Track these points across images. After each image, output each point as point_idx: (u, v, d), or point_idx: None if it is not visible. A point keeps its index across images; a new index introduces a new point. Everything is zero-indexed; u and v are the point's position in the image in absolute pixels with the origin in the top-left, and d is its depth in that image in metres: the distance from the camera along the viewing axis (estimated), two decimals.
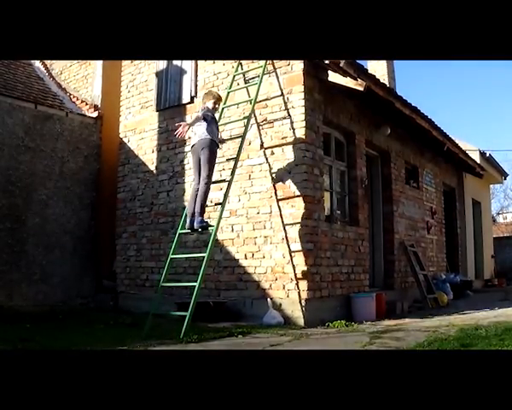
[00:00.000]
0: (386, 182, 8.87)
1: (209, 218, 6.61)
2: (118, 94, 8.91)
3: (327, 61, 6.49)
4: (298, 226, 6.36)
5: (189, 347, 4.65)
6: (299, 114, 6.53)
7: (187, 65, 7.87)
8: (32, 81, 9.69)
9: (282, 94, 6.70)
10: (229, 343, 4.88)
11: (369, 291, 7.50)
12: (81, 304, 8.35)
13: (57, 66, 10.56)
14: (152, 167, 8.19)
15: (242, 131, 6.54)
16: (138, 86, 8.60)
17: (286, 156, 6.59)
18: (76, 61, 10.10)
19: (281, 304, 6.33)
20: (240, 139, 6.47)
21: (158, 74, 8.30)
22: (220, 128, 6.44)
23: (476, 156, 13.37)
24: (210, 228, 5.95)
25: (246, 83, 7.12)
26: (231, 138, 7.01)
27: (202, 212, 5.86)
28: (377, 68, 12.42)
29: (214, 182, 6.58)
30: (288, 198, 6.50)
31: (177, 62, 8.02)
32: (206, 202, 5.92)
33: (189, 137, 6.04)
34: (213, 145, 5.93)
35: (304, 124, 6.49)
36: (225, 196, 6.12)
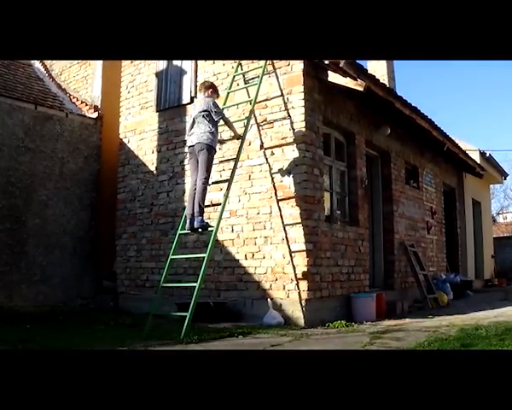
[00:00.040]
0: (386, 182, 8.87)
1: (209, 218, 6.60)
2: (118, 95, 8.91)
3: (327, 62, 6.49)
4: (298, 227, 6.36)
5: (189, 347, 4.65)
6: (298, 114, 6.53)
7: (187, 65, 7.87)
8: (32, 82, 9.69)
9: (282, 94, 6.70)
10: (229, 344, 4.88)
11: (369, 291, 7.50)
12: (81, 305, 8.35)
13: (57, 66, 10.56)
14: (152, 168, 8.19)
15: (242, 132, 6.54)
16: (138, 87, 8.60)
17: (286, 157, 6.59)
18: (76, 62, 10.10)
19: (281, 304, 6.33)
20: (239, 140, 6.47)
21: (158, 75, 8.30)
22: (220, 128, 6.44)
23: (476, 156, 13.37)
24: (210, 228, 5.95)
25: (245, 83, 7.12)
26: (231, 139, 7.00)
27: (201, 212, 5.86)
28: (377, 68, 12.42)
29: (214, 182, 6.59)
30: (288, 198, 6.50)
31: (176, 63, 8.02)
32: (204, 201, 5.92)
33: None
34: (211, 149, 5.93)
35: (304, 124, 6.49)
36: (225, 196, 6.11)
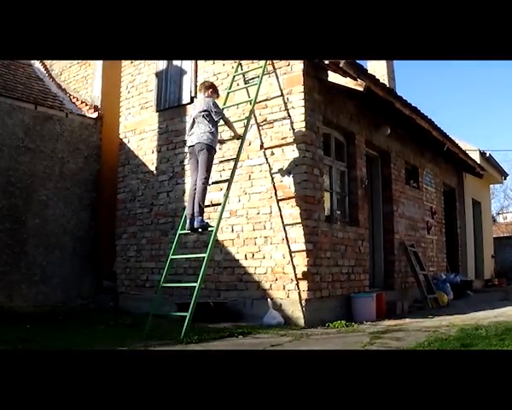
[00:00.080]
0: (386, 182, 8.87)
1: (209, 218, 6.61)
2: (118, 95, 8.91)
3: (327, 62, 6.49)
4: (298, 227, 6.36)
5: (189, 347, 4.65)
6: (298, 114, 6.53)
7: (187, 65, 7.87)
8: (32, 82, 9.69)
9: (282, 94, 6.70)
10: (229, 344, 4.88)
11: (369, 291, 7.50)
12: (81, 305, 8.35)
13: (57, 66, 10.56)
14: (152, 168, 8.19)
15: (242, 132, 6.54)
16: (138, 87, 8.60)
17: (286, 157, 6.59)
18: (76, 62, 10.10)
19: (281, 304, 6.33)
20: (239, 140, 6.47)
21: (158, 75, 8.30)
22: (220, 128, 6.44)
23: (476, 156, 13.37)
24: (210, 228, 5.95)
25: (245, 83, 7.12)
26: (231, 139, 7.01)
27: (201, 212, 5.87)
28: (377, 68, 12.42)
29: (214, 182, 6.59)
30: (288, 198, 6.50)
31: (176, 63, 8.02)
32: (204, 201, 5.92)
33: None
34: (211, 149, 5.93)
35: (304, 124, 6.49)
36: (225, 196, 6.11)
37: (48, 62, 10.69)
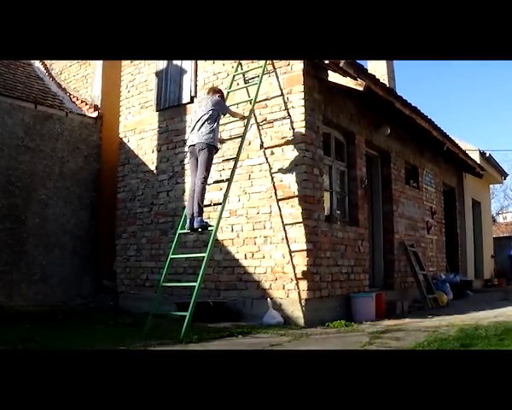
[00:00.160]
0: (386, 182, 8.88)
1: (209, 218, 6.61)
2: (118, 94, 8.91)
3: (327, 61, 6.49)
4: (298, 226, 6.36)
5: (189, 347, 4.65)
6: (298, 113, 6.54)
7: (187, 65, 7.87)
8: (32, 81, 9.69)
9: (282, 94, 6.70)
10: (229, 343, 4.88)
11: (368, 291, 7.50)
12: (81, 304, 8.35)
13: (57, 66, 10.56)
14: (152, 167, 8.19)
15: (242, 131, 6.54)
16: (138, 86, 8.60)
17: (286, 156, 6.59)
18: (76, 61, 10.10)
19: (281, 304, 6.33)
20: (239, 139, 6.47)
21: (158, 74, 8.30)
22: (220, 128, 6.44)
23: (476, 156, 13.37)
24: (210, 228, 5.95)
25: (245, 83, 7.12)
26: (231, 138, 7.01)
27: (201, 212, 5.88)
28: (377, 68, 12.42)
29: (214, 182, 6.60)
30: (287, 198, 6.50)
31: (176, 62, 8.02)
32: (203, 201, 5.93)
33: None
34: (212, 149, 5.95)
35: (304, 124, 6.49)
36: (225, 196, 6.12)
37: (48, 62, 10.68)
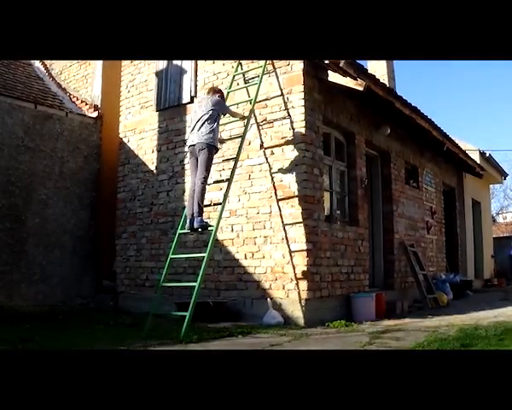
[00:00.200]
0: (386, 182, 8.87)
1: (209, 218, 6.61)
2: (118, 94, 8.91)
3: (327, 61, 6.49)
4: (298, 226, 6.36)
5: (189, 347, 4.65)
6: (298, 113, 6.53)
7: (187, 65, 7.87)
8: (32, 81, 9.69)
9: (282, 94, 6.70)
10: (229, 343, 4.88)
11: (368, 291, 7.50)
12: (81, 304, 8.35)
13: (57, 66, 10.56)
14: (152, 167, 8.19)
15: (242, 131, 6.54)
16: (138, 86, 8.60)
17: (286, 156, 6.59)
18: (76, 61, 10.10)
19: (281, 304, 6.33)
20: (239, 139, 6.47)
21: (158, 74, 8.30)
22: (220, 128, 6.44)
23: (476, 156, 13.37)
24: (210, 228, 5.96)
25: (245, 83, 7.12)
26: (231, 138, 7.01)
27: (201, 212, 5.88)
28: (377, 68, 12.42)
29: (214, 182, 6.60)
30: (287, 198, 6.50)
31: (176, 62, 8.02)
32: (203, 201, 5.93)
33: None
34: (212, 149, 5.95)
35: (304, 124, 6.49)
36: (225, 196, 6.12)
37: (48, 62, 10.68)
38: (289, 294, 6.31)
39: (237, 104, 7.03)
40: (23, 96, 8.52)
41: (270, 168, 6.71)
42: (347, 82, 6.45)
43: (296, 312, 6.21)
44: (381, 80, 8.00)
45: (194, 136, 5.99)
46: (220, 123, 6.31)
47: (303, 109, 6.50)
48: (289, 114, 6.61)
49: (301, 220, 6.35)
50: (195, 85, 7.70)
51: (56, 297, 8.11)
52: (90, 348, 4.42)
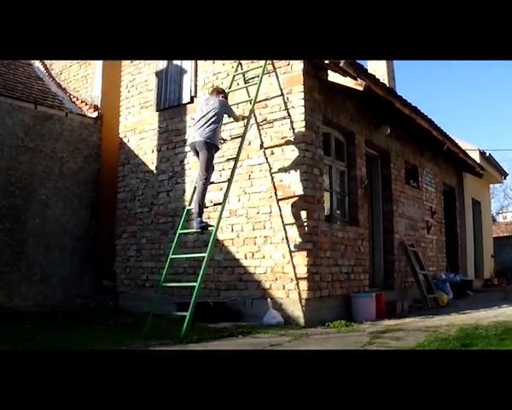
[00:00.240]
0: (386, 182, 8.87)
1: (209, 218, 6.62)
2: (118, 94, 8.91)
3: (327, 61, 6.49)
4: (297, 226, 6.36)
5: (189, 347, 4.65)
6: (298, 113, 6.54)
7: (187, 65, 7.87)
8: (32, 81, 9.69)
9: (282, 94, 6.70)
10: (229, 343, 4.88)
11: (368, 291, 7.50)
12: (81, 304, 8.35)
13: (57, 66, 10.56)
14: (152, 167, 8.19)
15: (242, 131, 6.54)
16: (138, 86, 8.60)
17: (286, 156, 6.59)
18: (76, 62, 10.10)
19: (281, 304, 6.33)
20: (240, 139, 6.47)
21: (158, 74, 8.30)
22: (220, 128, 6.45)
23: (476, 156, 13.37)
24: (210, 228, 5.96)
25: (245, 83, 7.12)
26: (231, 138, 7.01)
27: (201, 212, 5.91)
28: (377, 68, 12.42)
29: (214, 182, 6.59)
30: (287, 198, 6.50)
31: (176, 62, 8.02)
32: (203, 202, 5.96)
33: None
34: (212, 148, 5.98)
35: (304, 124, 6.49)
36: (225, 196, 6.12)
37: (48, 62, 10.69)
38: (289, 294, 6.31)
39: (237, 104, 7.03)
40: (23, 96, 8.52)
41: (270, 168, 6.71)
42: (347, 82, 6.45)
43: (296, 312, 6.21)
44: (381, 80, 8.00)
45: (196, 133, 6.02)
46: (222, 122, 6.33)
47: (303, 109, 6.50)
48: (289, 114, 6.61)
49: (301, 220, 6.35)
50: (195, 85, 7.70)
51: (56, 297, 8.11)
52: (90, 348, 4.42)
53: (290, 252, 6.36)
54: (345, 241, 7.18)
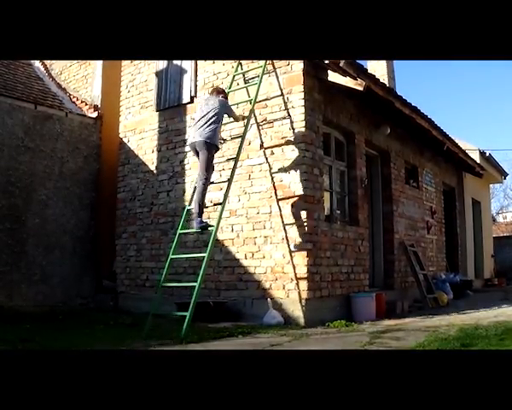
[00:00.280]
0: (386, 182, 8.87)
1: (209, 218, 6.62)
2: (117, 94, 8.91)
3: (327, 61, 6.49)
4: (298, 226, 6.36)
5: (189, 347, 4.65)
6: (298, 113, 6.54)
7: (187, 65, 7.87)
8: (32, 81, 9.69)
9: (282, 94, 6.70)
10: (229, 343, 4.88)
11: (368, 291, 7.50)
12: (81, 304, 8.35)
13: (57, 66, 10.56)
14: (152, 167, 8.19)
15: (242, 131, 6.54)
16: (138, 86, 8.60)
17: (286, 156, 6.59)
18: (76, 61, 10.10)
19: (281, 304, 6.33)
20: (239, 139, 6.47)
21: (158, 74, 8.29)
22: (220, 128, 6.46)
23: (476, 156, 13.38)
24: (210, 228, 5.96)
25: (245, 83, 7.12)
26: (231, 138, 7.01)
27: (201, 212, 5.92)
28: (377, 68, 12.42)
29: (214, 182, 6.59)
30: (287, 198, 6.50)
31: (177, 62, 8.02)
32: (203, 201, 5.97)
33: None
34: (212, 148, 6.00)
35: (304, 124, 6.49)
36: (225, 196, 6.12)
37: (48, 62, 10.69)
38: (289, 294, 6.31)
39: (237, 104, 7.03)
40: (23, 96, 8.52)
41: (270, 168, 6.71)
42: (347, 82, 6.46)
43: (296, 312, 6.21)
44: (381, 80, 8.00)
45: (196, 133, 6.02)
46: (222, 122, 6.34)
47: (303, 109, 6.50)
48: (289, 114, 6.61)
49: (301, 220, 6.35)
50: (195, 85, 7.70)
51: (56, 297, 8.11)
52: (90, 348, 4.42)
53: (290, 252, 6.36)
54: (345, 241, 7.18)
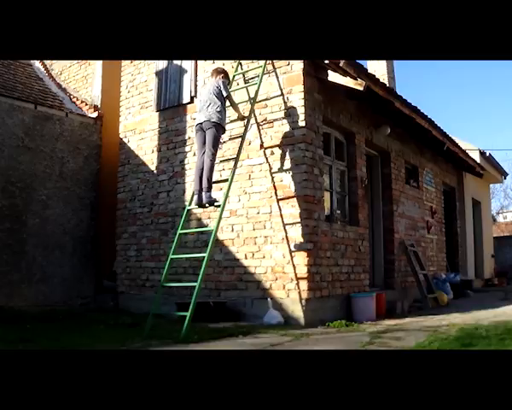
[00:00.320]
0: (386, 182, 8.87)
1: (209, 218, 6.62)
2: (117, 94, 8.91)
3: (327, 61, 6.49)
4: (298, 226, 6.36)
5: (189, 347, 4.65)
6: (298, 113, 6.53)
7: (187, 65, 7.87)
8: (32, 81, 9.68)
9: (282, 94, 6.70)
10: (229, 343, 4.88)
11: (369, 291, 7.50)
12: (81, 304, 8.35)
13: (57, 66, 10.57)
14: (152, 168, 8.19)
15: (242, 131, 6.54)
16: (138, 86, 8.60)
17: (286, 156, 6.59)
18: (76, 62, 10.10)
19: (281, 304, 6.33)
20: (240, 139, 6.48)
21: (158, 74, 8.29)
22: None
23: (476, 156, 13.38)
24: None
25: (245, 83, 7.12)
26: (231, 138, 7.01)
27: (210, 187, 6.06)
28: (377, 68, 12.41)
29: (214, 182, 6.60)
30: (287, 198, 6.50)
31: (176, 62, 8.02)
32: (212, 177, 6.11)
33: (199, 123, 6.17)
34: (219, 128, 6.13)
35: (304, 124, 6.49)
36: (225, 196, 6.12)
37: (48, 62, 10.69)
38: (290, 294, 6.31)
39: (237, 104, 7.02)
40: (23, 96, 8.51)
41: (270, 168, 6.71)
42: (347, 82, 6.45)
43: (296, 312, 6.21)
44: (381, 80, 7.99)
45: (202, 115, 6.18)
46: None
47: (303, 109, 6.50)
48: (289, 114, 6.61)
49: (301, 220, 6.35)
50: (195, 85, 7.70)
51: (56, 297, 8.11)
52: (91, 348, 4.42)
53: (290, 252, 6.36)
54: (345, 241, 7.18)
